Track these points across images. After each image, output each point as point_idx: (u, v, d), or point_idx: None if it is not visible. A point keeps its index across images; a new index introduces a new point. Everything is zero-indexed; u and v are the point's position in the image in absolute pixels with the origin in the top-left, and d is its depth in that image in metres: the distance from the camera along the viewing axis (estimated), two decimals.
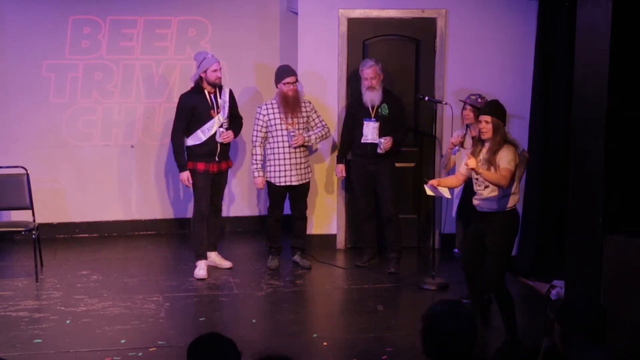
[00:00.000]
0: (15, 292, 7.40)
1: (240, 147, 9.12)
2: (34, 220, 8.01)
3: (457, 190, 7.37)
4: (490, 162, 6.08)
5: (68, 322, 6.72)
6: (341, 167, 8.24)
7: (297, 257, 8.19)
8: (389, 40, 8.52)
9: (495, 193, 6.15)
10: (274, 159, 7.92)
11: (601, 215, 5.83)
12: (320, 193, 8.67)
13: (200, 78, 7.75)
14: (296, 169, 7.94)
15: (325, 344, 6.37)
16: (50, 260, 8.24)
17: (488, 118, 6.11)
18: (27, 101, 8.79)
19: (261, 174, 7.95)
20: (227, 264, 8.10)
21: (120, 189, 9.12)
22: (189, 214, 8.59)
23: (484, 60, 8.52)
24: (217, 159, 7.81)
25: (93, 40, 8.83)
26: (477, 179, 6.23)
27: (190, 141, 7.77)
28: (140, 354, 6.11)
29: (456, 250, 7.98)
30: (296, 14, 8.59)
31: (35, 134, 8.84)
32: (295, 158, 7.92)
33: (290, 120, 7.87)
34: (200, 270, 7.81)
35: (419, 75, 8.55)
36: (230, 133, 7.82)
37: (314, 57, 8.48)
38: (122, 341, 6.33)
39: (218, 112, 7.76)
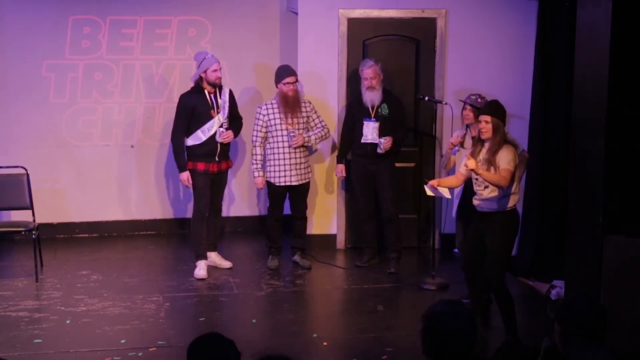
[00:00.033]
0: (15, 292, 7.40)
1: (240, 147, 9.12)
2: (34, 220, 8.01)
3: (457, 190, 7.37)
4: (490, 162, 6.08)
5: (68, 322, 6.72)
6: (341, 167, 8.24)
7: (297, 257, 8.19)
8: (389, 40, 8.52)
9: (495, 193, 6.15)
10: (274, 159, 7.92)
11: (601, 215, 5.83)
12: (320, 193, 8.67)
13: (200, 78, 7.75)
14: (296, 169, 7.94)
15: (325, 344, 6.37)
16: (50, 260, 8.24)
17: (488, 118, 6.11)
18: (27, 101, 8.79)
19: (261, 174, 7.95)
20: (227, 264, 8.10)
21: (120, 189, 9.12)
22: (189, 214, 8.59)
23: (484, 60, 8.52)
24: (217, 159, 7.81)
25: (93, 40, 8.83)
26: (476, 179, 6.23)
27: (190, 141, 7.77)
28: (140, 354, 6.11)
29: (456, 250, 7.98)
30: (296, 14, 8.59)
31: (35, 134, 8.84)
32: (295, 158, 7.92)
33: (290, 120, 7.87)
34: (200, 270, 7.81)
35: (419, 75, 8.55)
36: (230, 133, 7.82)
37: (314, 57, 8.48)
38: (122, 341, 6.33)
39: (218, 112, 7.76)
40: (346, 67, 8.49)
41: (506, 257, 6.24)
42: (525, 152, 6.71)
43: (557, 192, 7.63)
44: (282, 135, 7.88)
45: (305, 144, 7.96)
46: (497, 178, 6.03)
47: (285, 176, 7.92)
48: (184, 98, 7.81)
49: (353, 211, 8.59)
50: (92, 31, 8.81)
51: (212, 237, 8.05)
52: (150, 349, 6.21)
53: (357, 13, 8.46)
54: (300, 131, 7.90)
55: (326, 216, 8.72)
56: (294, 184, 7.97)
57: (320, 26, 8.45)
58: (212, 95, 7.77)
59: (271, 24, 9.10)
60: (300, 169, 7.96)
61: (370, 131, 7.93)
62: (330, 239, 8.74)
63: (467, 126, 7.20)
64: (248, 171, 8.86)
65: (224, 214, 8.69)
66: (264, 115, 7.89)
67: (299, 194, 8.08)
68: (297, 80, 7.89)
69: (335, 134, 8.48)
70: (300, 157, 7.96)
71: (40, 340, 6.35)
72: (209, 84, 7.73)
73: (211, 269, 7.95)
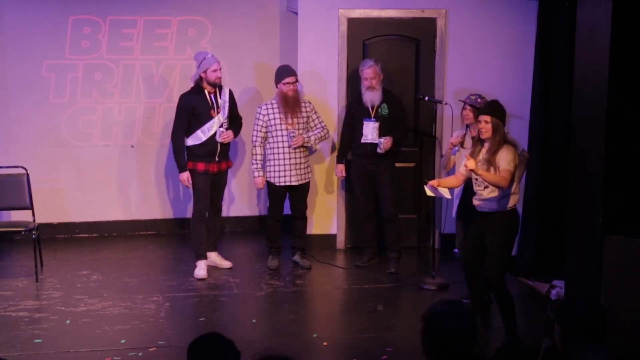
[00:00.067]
0: (15, 292, 7.40)
1: (240, 147, 9.12)
2: (34, 220, 8.01)
3: (457, 191, 7.37)
4: (490, 162, 6.08)
5: (68, 322, 6.72)
6: (341, 167, 8.24)
7: (297, 257, 8.19)
8: (389, 40, 8.52)
9: (495, 193, 6.15)
10: (274, 159, 7.92)
11: (601, 215, 5.83)
12: (320, 193, 8.67)
13: (200, 78, 7.75)
14: (296, 169, 7.94)
15: (325, 344, 6.37)
16: (50, 260, 8.24)
17: (487, 118, 6.11)
18: (27, 101, 8.79)
19: (261, 173, 7.95)
20: (227, 264, 8.10)
21: (120, 189, 9.12)
22: (189, 214, 8.59)
23: (484, 60, 8.52)
24: (217, 159, 7.81)
25: (93, 40, 8.83)
26: (476, 179, 6.23)
27: (190, 141, 7.77)
28: (140, 354, 6.11)
29: (456, 250, 7.98)
30: (296, 14, 8.59)
31: (35, 134, 8.84)
32: (295, 158, 7.92)
33: (290, 121, 7.87)
34: (200, 270, 7.81)
35: (419, 75, 8.55)
36: (230, 133, 7.82)
37: (314, 57, 8.48)
38: (122, 341, 6.33)
39: (218, 112, 7.76)
40: (346, 67, 8.49)
41: (506, 257, 6.24)
42: (525, 152, 6.71)
43: (557, 192, 7.63)
44: (282, 136, 7.88)
45: (305, 144, 7.96)
46: (497, 178, 6.03)
47: (285, 176, 7.92)
48: (184, 98, 7.81)
49: (353, 211, 8.59)
50: (92, 31, 8.81)
51: (212, 237, 8.05)
52: (150, 349, 6.21)
53: (357, 13, 8.46)
54: (300, 131, 7.90)
55: (326, 216, 8.72)
56: (293, 184, 7.97)
57: (320, 26, 8.45)
58: (212, 95, 7.77)
59: (271, 24, 9.10)
60: (300, 169, 7.96)
61: (370, 131, 7.93)
62: (330, 239, 8.74)
63: (467, 126, 7.20)
64: (248, 171, 8.86)
65: (224, 214, 8.69)
66: (264, 115, 7.89)
67: (299, 194, 8.08)
68: (297, 80, 7.89)
69: (335, 134, 8.48)
70: (300, 157, 7.96)
71: (40, 340, 6.35)
72: (209, 84, 7.73)
73: (211, 269, 7.95)
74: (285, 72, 7.86)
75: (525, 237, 7.93)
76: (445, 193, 6.53)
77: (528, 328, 6.53)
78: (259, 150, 7.93)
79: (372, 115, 7.95)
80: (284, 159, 7.90)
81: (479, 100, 7.09)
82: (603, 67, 5.79)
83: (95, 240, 9.00)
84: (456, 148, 7.29)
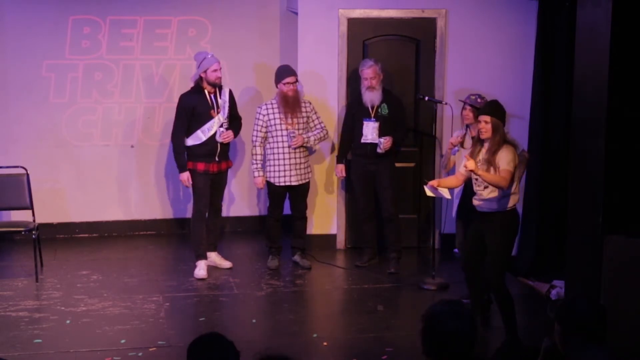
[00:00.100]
0: (15, 292, 7.40)
1: (240, 147, 9.12)
2: (34, 220, 8.01)
3: (457, 191, 7.37)
4: (490, 162, 6.08)
5: (68, 322, 6.72)
6: (341, 167, 8.24)
7: (297, 257, 8.19)
8: (389, 40, 8.52)
9: (495, 194, 6.15)
10: (274, 159, 7.92)
11: (601, 215, 5.83)
12: (320, 193, 8.67)
13: (200, 78, 7.75)
14: (296, 169, 7.94)
15: (325, 344, 6.37)
16: (50, 260, 8.24)
17: (487, 118, 6.11)
18: (27, 101, 8.79)
19: (261, 173, 7.95)
20: (227, 264, 8.10)
21: (120, 189, 9.12)
22: (189, 214, 8.59)
23: (484, 60, 8.52)
24: (217, 159, 7.81)
25: (93, 40, 8.83)
26: (476, 180, 6.23)
27: (190, 141, 7.77)
28: (140, 354, 6.11)
29: (456, 250, 7.98)
30: (296, 14, 8.59)
31: (35, 134, 8.84)
32: (295, 158, 7.92)
33: (290, 121, 7.87)
34: (200, 270, 7.81)
35: (419, 75, 8.55)
36: (230, 133, 7.82)
37: (314, 57, 8.48)
38: (122, 341, 6.33)
39: (218, 112, 7.76)
40: (346, 67, 8.49)
41: (506, 257, 6.24)
42: (525, 152, 6.71)
43: (557, 192, 7.63)
44: (282, 136, 7.88)
45: (305, 145, 7.96)
46: (497, 179, 6.03)
47: (285, 176, 7.92)
48: (184, 98, 7.81)
49: (353, 211, 8.59)
50: (92, 31, 8.81)
51: (212, 237, 8.05)
52: (150, 349, 6.21)
53: (357, 13, 8.46)
54: (300, 131, 7.90)
55: (326, 216, 8.72)
56: (293, 184, 7.97)
57: (320, 26, 8.45)
58: (212, 95, 7.77)
59: (271, 24, 9.10)
60: (300, 169, 7.96)
61: (370, 131, 7.93)
62: (330, 239, 8.74)
63: (467, 126, 7.20)
64: (248, 171, 8.86)
65: (224, 214, 8.69)
66: (264, 115, 7.89)
67: (299, 194, 8.08)
68: (297, 80, 7.89)
69: (335, 134, 8.48)
70: (300, 157, 7.96)
71: (40, 340, 6.35)
72: (209, 84, 7.73)
73: (211, 269, 7.95)
74: (285, 72, 7.86)
75: (525, 237, 7.93)
76: (445, 193, 6.53)
77: (528, 328, 6.53)
78: (259, 150, 7.94)
79: (372, 115, 7.95)
80: (284, 159, 7.90)
81: (479, 100, 7.09)
82: (603, 67, 5.79)
83: (95, 240, 9.00)
84: (456, 148, 7.29)
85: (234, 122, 7.95)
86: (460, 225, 7.46)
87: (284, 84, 7.81)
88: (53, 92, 8.84)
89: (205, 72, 7.69)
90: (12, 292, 7.38)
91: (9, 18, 8.64)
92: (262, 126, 7.90)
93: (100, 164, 9.02)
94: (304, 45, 8.50)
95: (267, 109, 7.91)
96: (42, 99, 8.82)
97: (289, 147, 7.87)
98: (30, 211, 8.05)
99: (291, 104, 7.84)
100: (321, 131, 8.04)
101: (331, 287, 7.75)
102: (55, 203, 8.95)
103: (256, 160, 7.93)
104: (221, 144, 7.79)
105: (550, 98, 7.80)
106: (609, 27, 5.72)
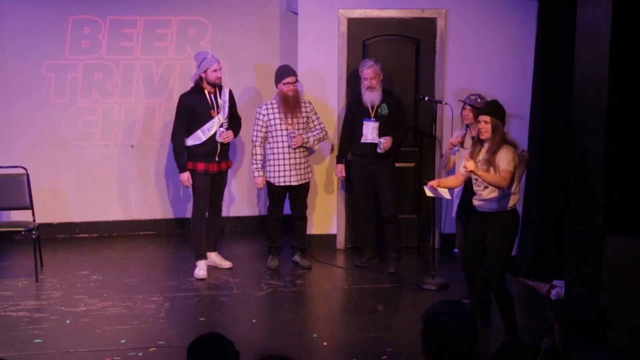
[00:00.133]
0: (15, 292, 7.40)
1: (240, 147, 9.13)
2: (34, 220, 8.01)
3: (457, 191, 7.37)
4: (490, 162, 6.08)
5: (68, 322, 6.72)
6: (341, 167, 8.24)
7: (297, 257, 8.19)
8: (389, 40, 8.52)
9: (495, 194, 6.15)
10: (274, 159, 7.92)
11: (601, 215, 5.83)
12: (320, 193, 8.67)
13: (200, 78, 7.75)
14: (296, 169, 7.94)
15: (325, 344, 6.37)
16: (50, 260, 8.24)
17: (487, 118, 6.11)
18: (27, 101, 8.79)
19: (261, 173, 7.96)
20: (227, 264, 8.10)
21: (120, 189, 9.12)
22: (189, 214, 8.58)
23: (484, 60, 8.52)
24: (217, 159, 7.81)
25: (93, 40, 8.83)
26: (476, 180, 6.23)
27: (190, 141, 7.77)
28: (140, 354, 6.11)
29: (456, 250, 7.98)
30: (296, 14, 8.59)
31: (35, 134, 8.84)
32: (295, 158, 7.92)
33: (290, 121, 7.87)
34: (200, 270, 7.81)
35: (419, 75, 8.55)
36: (230, 133, 7.82)
37: (314, 57, 8.48)
38: (122, 341, 6.33)
39: (218, 112, 7.76)
40: (346, 67, 8.49)
41: (506, 257, 6.24)
42: (525, 152, 6.71)
43: (557, 192, 7.63)
44: (282, 136, 7.88)
45: (304, 145, 7.96)
46: (497, 179, 6.02)
47: (285, 176, 7.92)
48: (184, 98, 7.81)
49: (353, 211, 8.59)
50: (92, 31, 8.81)
51: (212, 237, 8.05)
52: (150, 349, 6.21)
53: (357, 13, 8.46)
54: (300, 131, 7.90)
55: (326, 216, 8.72)
56: (293, 184, 7.97)
57: (320, 26, 8.45)
58: (212, 95, 7.77)
59: (271, 24, 9.10)
60: (300, 169, 7.96)
61: (370, 131, 7.93)
62: (330, 239, 8.74)
63: (467, 126, 7.20)
64: (248, 171, 8.86)
65: (224, 214, 8.69)
66: (263, 115, 7.89)
67: (299, 194, 8.08)
68: (297, 80, 7.89)
69: (335, 134, 8.48)
70: (300, 157, 7.96)
71: (40, 340, 6.35)
72: (209, 84, 7.73)
73: (211, 269, 7.95)
74: (285, 72, 7.86)
75: (525, 237, 7.93)
76: (445, 193, 6.53)
77: (528, 328, 6.53)
78: (259, 150, 7.94)
79: (372, 115, 7.95)
80: (284, 159, 7.90)
81: (478, 100, 7.09)
82: (603, 67, 5.79)
83: (95, 240, 9.00)
84: (456, 148, 7.29)
85: (234, 122, 7.95)
86: (460, 225, 7.46)
87: (284, 84, 7.81)
88: (53, 92, 8.84)
89: (205, 72, 7.69)
90: (12, 292, 7.38)
91: (9, 18, 8.64)
92: (262, 126, 7.90)
93: (100, 164, 9.02)
94: (304, 45, 8.50)
95: (267, 109, 7.91)
96: (42, 99, 8.82)
97: (289, 147, 7.87)
98: (30, 211, 8.05)
99: (291, 104, 7.84)
100: (321, 132, 8.04)
101: (331, 287, 7.75)
102: (55, 203, 8.95)
103: (256, 160, 7.93)
104: (221, 144, 7.79)
105: (550, 98, 7.80)
106: (609, 27, 5.72)
